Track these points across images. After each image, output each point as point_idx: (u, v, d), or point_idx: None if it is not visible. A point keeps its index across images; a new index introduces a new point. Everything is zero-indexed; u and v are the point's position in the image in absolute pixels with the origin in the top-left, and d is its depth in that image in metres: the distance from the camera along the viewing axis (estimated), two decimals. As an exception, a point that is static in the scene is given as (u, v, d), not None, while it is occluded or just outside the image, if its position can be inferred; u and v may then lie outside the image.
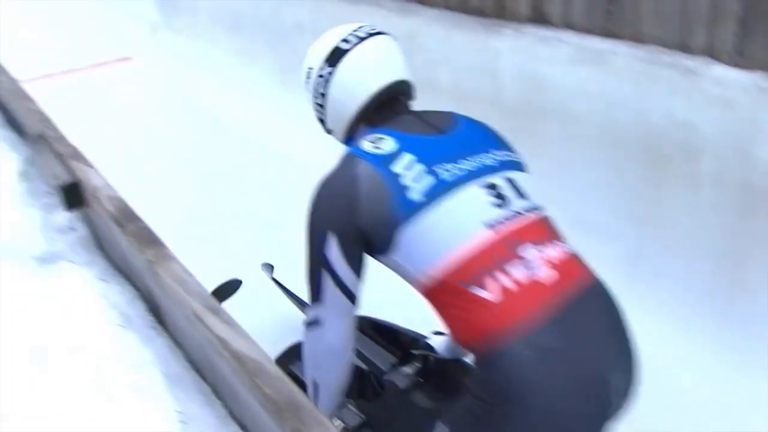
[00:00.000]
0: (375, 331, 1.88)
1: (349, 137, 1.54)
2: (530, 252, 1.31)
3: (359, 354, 1.79)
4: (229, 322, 1.05)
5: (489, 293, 1.26)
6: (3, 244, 1.69)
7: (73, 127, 2.01)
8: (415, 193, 1.31)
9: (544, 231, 1.38)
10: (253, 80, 4.24)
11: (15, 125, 2.31)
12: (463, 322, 1.32)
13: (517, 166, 1.46)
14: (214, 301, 1.12)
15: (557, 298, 1.29)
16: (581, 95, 2.42)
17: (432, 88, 2.92)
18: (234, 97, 4.25)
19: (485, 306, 1.26)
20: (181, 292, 1.13)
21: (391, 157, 1.34)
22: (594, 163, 2.43)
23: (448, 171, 1.35)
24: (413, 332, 1.85)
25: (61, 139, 1.77)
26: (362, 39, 1.54)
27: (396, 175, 1.32)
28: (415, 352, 1.74)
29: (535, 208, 1.39)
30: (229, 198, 3.29)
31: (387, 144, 1.37)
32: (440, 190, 1.32)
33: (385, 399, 1.71)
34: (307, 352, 1.50)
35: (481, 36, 2.78)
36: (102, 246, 1.73)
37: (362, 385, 1.73)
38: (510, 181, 1.40)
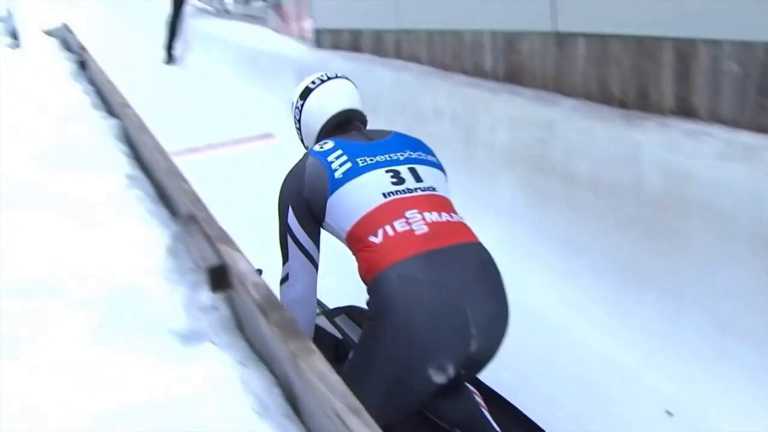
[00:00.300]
0: (356, 313, 2.46)
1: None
2: (414, 215, 1.90)
3: (339, 329, 2.43)
4: (371, 426, 1.07)
5: (377, 239, 1.86)
6: (148, 318, 1.80)
7: (215, 201, 2.16)
8: (338, 173, 1.99)
9: (431, 204, 1.96)
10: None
11: (167, 202, 2.50)
12: (363, 261, 1.90)
13: (426, 163, 2.13)
14: (356, 401, 1.14)
15: (429, 245, 1.84)
16: (728, 192, 2.33)
17: (570, 178, 2.92)
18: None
19: (374, 248, 1.86)
20: (323, 388, 1.17)
21: (328, 152, 2.05)
22: (740, 263, 2.31)
23: (364, 161, 2.01)
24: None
25: (211, 221, 1.89)
26: (324, 81, 2.35)
27: (329, 163, 2.02)
28: None
29: (429, 188, 2.02)
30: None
31: (328, 145, 2.09)
32: (355, 172, 1.98)
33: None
34: (282, 303, 1.64)
35: (623, 128, 2.76)
36: (242, 328, 1.80)
37: (337, 351, 2.31)
38: (412, 170, 2.04)
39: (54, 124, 4.05)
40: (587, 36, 3.00)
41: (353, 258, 1.97)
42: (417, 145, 2.22)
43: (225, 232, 1.82)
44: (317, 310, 2.30)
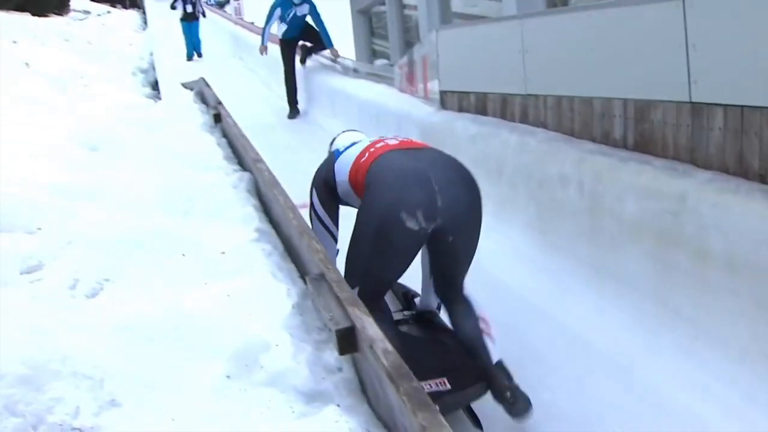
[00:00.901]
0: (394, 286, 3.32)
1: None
2: (388, 139, 2.96)
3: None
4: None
5: (364, 157, 2.81)
6: (273, 373, 1.92)
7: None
8: (341, 147, 3.15)
9: (403, 140, 3.02)
10: (511, 228, 4.42)
11: (295, 259, 2.66)
12: (361, 183, 2.80)
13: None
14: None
15: (402, 146, 2.88)
16: None
17: (702, 254, 2.88)
18: (490, 245, 4.46)
19: (363, 162, 2.80)
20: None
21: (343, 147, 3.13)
22: None
23: (358, 143, 3.02)
24: (413, 291, 3.43)
25: (341, 282, 2.01)
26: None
27: (338, 150, 3.12)
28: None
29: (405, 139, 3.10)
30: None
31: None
32: (353, 144, 3.06)
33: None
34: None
35: (762, 203, 2.71)
36: (366, 392, 1.86)
37: None
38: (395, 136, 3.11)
39: (186, 173, 4.39)
40: (725, 107, 2.98)
41: None
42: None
43: (355, 294, 1.92)
44: None
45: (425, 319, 3.18)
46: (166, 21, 16.04)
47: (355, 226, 2.71)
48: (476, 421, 2.73)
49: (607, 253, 3.61)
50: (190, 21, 15.73)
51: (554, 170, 4.00)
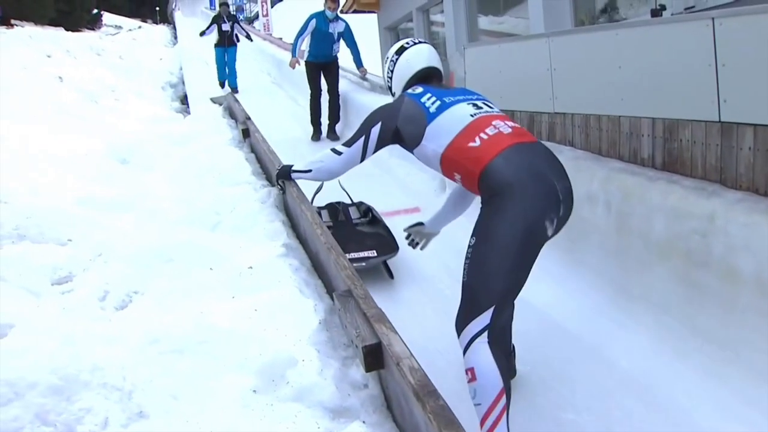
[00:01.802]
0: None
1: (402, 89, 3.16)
2: (499, 123, 2.72)
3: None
4: None
5: (476, 144, 2.64)
6: (299, 389, 1.94)
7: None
8: (432, 109, 2.83)
9: (506, 118, 2.82)
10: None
11: (322, 275, 2.68)
12: (466, 164, 2.65)
13: (488, 101, 2.97)
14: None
15: (516, 140, 2.64)
16: None
17: (731, 274, 2.86)
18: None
19: (476, 150, 2.62)
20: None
21: (421, 95, 2.92)
22: None
23: (450, 99, 2.85)
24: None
25: (368, 298, 2.03)
26: (416, 43, 3.22)
27: (423, 103, 2.87)
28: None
29: (500, 111, 2.91)
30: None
31: (418, 90, 2.97)
32: (446, 106, 2.82)
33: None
34: (319, 163, 3.21)
35: (793, 224, 2.68)
36: (391, 408, 1.87)
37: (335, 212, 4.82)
38: (485, 102, 2.92)
39: (214, 187, 4.45)
40: (755, 126, 2.97)
41: None
42: (478, 94, 3.06)
43: (382, 311, 1.94)
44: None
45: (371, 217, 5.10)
46: (196, 36, 16.19)
47: (489, 230, 2.50)
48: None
49: (634, 273, 3.59)
50: (225, 46, 12.77)
51: (581, 188, 3.97)
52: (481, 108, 2.81)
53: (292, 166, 3.49)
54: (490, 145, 2.60)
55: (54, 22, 35.17)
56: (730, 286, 2.94)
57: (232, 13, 13.89)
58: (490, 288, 2.45)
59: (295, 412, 1.86)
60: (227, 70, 12.92)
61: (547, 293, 4.05)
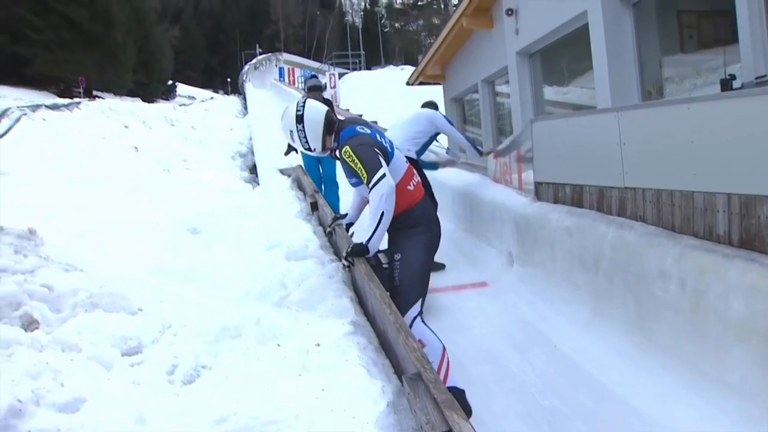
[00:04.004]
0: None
1: (323, 143, 3.97)
2: (416, 177, 4.07)
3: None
4: None
5: (411, 187, 3.93)
6: None
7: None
8: (389, 148, 3.92)
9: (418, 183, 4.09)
10: (607, 323, 4.31)
11: (391, 355, 2.66)
12: (403, 198, 3.82)
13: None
14: None
15: (423, 194, 4.03)
16: None
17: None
18: (586, 340, 4.36)
19: (410, 193, 3.91)
20: None
21: (373, 133, 3.94)
22: None
23: (390, 145, 3.98)
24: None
25: (438, 383, 2.00)
26: (303, 105, 3.96)
27: (380, 141, 3.88)
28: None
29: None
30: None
31: (367, 130, 3.95)
32: (393, 149, 3.97)
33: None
34: (379, 196, 3.62)
35: None
36: None
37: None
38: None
39: (281, 260, 4.51)
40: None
41: None
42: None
43: (452, 398, 1.90)
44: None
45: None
46: (265, 106, 16.74)
47: (418, 245, 3.87)
48: None
49: (712, 355, 3.45)
50: None
51: (654, 266, 3.89)
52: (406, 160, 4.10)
53: (363, 243, 3.73)
54: (415, 191, 3.97)
55: (132, 93, 37.12)
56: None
57: (328, 98, 10.73)
58: (416, 287, 3.76)
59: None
60: (323, 186, 8.69)
61: (619, 372, 3.94)
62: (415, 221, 3.87)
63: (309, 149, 3.98)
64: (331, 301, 3.46)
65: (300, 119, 3.90)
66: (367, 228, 3.69)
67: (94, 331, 3.36)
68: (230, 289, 4.27)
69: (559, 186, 5.40)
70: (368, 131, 3.91)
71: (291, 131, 3.95)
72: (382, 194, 3.60)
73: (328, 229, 4.73)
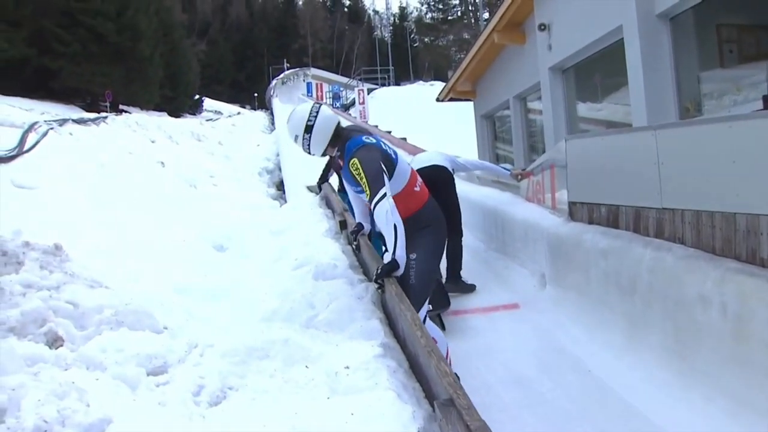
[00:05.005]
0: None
1: (325, 150, 4.22)
2: (418, 179, 4.33)
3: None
4: None
5: (417, 189, 4.24)
6: None
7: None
8: (393, 155, 4.17)
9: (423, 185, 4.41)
10: (645, 349, 4.24)
11: (421, 379, 2.64)
12: (409, 200, 4.12)
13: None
14: None
15: (428, 195, 4.34)
16: None
17: None
18: (622, 367, 4.31)
19: (417, 194, 4.22)
20: None
21: (378, 143, 4.18)
22: None
23: (395, 151, 4.28)
24: None
25: (471, 409, 1.98)
26: (316, 115, 4.14)
27: (386, 149, 4.16)
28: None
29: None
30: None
31: (372, 139, 4.18)
32: (396, 156, 4.21)
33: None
34: (384, 212, 3.82)
35: None
36: None
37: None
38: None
39: (309, 280, 4.51)
40: None
41: None
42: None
43: (486, 424, 1.88)
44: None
45: None
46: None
47: (431, 242, 4.18)
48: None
49: (756, 384, 3.37)
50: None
51: (693, 290, 3.83)
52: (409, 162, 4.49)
53: (392, 258, 3.82)
54: (422, 192, 4.27)
55: (158, 107, 37.62)
56: None
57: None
58: (428, 286, 4.13)
59: None
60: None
61: (659, 402, 3.88)
62: (426, 221, 4.16)
63: (309, 153, 4.22)
64: (361, 323, 3.45)
65: (309, 129, 4.11)
66: (389, 245, 3.85)
67: (119, 349, 3.38)
68: (257, 308, 4.28)
69: (594, 206, 5.36)
70: (374, 140, 4.16)
71: (297, 136, 4.15)
72: (386, 210, 3.83)
73: (354, 243, 4.83)
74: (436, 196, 4.44)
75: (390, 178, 4.02)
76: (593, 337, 4.79)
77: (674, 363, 3.95)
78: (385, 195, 3.86)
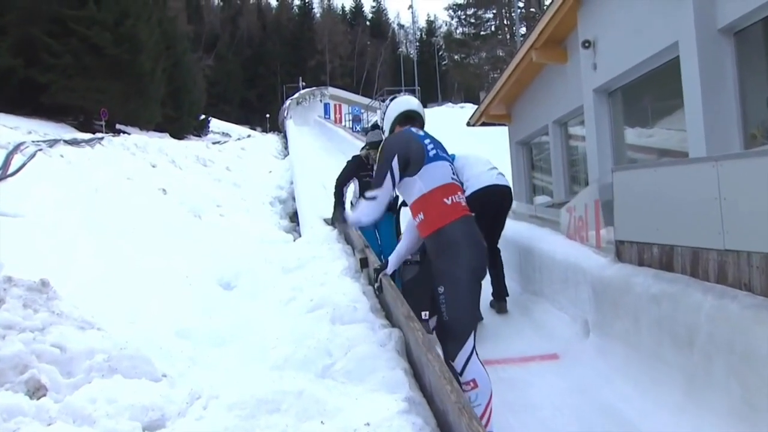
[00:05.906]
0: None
1: (392, 127, 4.72)
2: (459, 195, 4.33)
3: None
4: None
5: (448, 202, 4.23)
6: None
7: None
8: (431, 153, 4.32)
9: (462, 191, 4.44)
10: (706, 411, 4.17)
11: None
12: (434, 211, 4.23)
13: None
14: None
15: (466, 211, 4.29)
16: None
17: None
18: (678, 429, 4.23)
19: (446, 207, 4.22)
20: None
21: (423, 137, 4.42)
22: None
23: (441, 151, 4.41)
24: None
25: None
26: (392, 99, 4.90)
27: (425, 144, 4.35)
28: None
29: (459, 182, 4.46)
30: None
31: (421, 132, 4.52)
32: (438, 156, 4.35)
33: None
34: (361, 210, 4.59)
35: None
36: None
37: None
38: (452, 167, 4.45)
39: (326, 324, 4.48)
40: None
41: None
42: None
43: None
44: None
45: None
46: (308, 147, 16.97)
47: (455, 284, 4.10)
48: None
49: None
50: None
51: (763, 344, 3.75)
52: (454, 176, 4.38)
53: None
54: (454, 209, 4.23)
55: (159, 127, 37.68)
56: None
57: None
58: (466, 320, 4.10)
59: None
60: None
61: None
62: (452, 245, 4.15)
63: (380, 128, 4.97)
64: (383, 373, 3.41)
65: (392, 99, 4.90)
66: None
67: (111, 400, 3.37)
68: (267, 355, 4.25)
69: (645, 246, 5.31)
70: (421, 133, 4.52)
71: (383, 106, 4.93)
72: (365, 210, 4.51)
73: (376, 284, 4.88)
74: (493, 222, 5.07)
75: (406, 174, 4.29)
76: (645, 394, 4.71)
77: (742, 427, 3.86)
78: (377, 197, 4.37)
